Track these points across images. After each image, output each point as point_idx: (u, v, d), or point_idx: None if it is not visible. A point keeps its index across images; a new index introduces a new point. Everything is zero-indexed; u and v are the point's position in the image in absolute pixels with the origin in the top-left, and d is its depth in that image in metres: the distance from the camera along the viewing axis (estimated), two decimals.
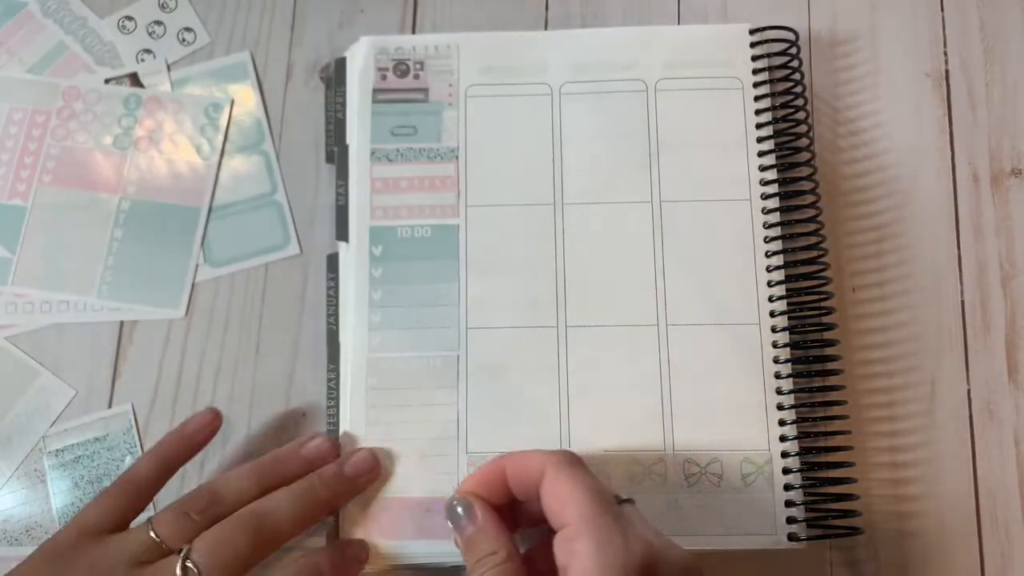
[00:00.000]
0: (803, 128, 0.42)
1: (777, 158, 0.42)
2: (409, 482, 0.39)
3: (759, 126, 0.42)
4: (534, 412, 0.40)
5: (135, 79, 0.47)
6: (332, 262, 0.43)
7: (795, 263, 0.41)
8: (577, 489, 0.32)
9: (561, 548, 0.31)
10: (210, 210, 0.45)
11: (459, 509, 0.34)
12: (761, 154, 0.42)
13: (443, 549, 0.37)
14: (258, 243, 0.45)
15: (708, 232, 0.41)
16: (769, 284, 0.41)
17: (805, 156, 0.42)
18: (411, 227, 0.42)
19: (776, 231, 0.41)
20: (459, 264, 0.41)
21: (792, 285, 0.40)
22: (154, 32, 0.48)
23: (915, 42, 0.46)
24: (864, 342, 0.42)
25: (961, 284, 0.43)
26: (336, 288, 0.42)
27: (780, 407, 0.39)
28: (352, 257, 0.42)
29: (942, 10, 0.46)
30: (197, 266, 0.44)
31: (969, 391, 0.42)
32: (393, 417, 0.40)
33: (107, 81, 0.47)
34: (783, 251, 0.41)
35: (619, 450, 0.39)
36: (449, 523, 0.35)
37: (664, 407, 0.39)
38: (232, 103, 0.47)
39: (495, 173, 0.43)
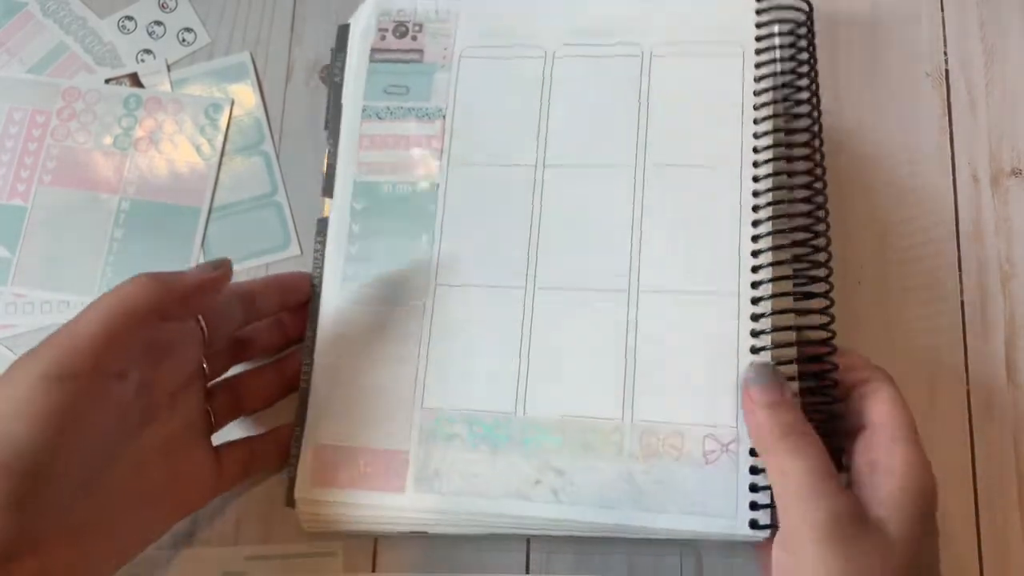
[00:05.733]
0: (806, 95, 0.39)
1: (775, 125, 0.39)
2: (365, 434, 0.39)
3: (757, 93, 0.40)
4: (492, 372, 0.39)
5: (135, 79, 0.47)
6: (321, 227, 0.42)
7: (785, 231, 0.38)
8: (902, 406, 0.34)
9: (880, 446, 0.33)
10: (210, 210, 0.45)
11: (767, 374, 0.35)
12: (757, 121, 0.40)
13: (390, 503, 0.38)
14: (258, 243, 0.45)
15: (691, 197, 0.40)
16: (754, 254, 0.38)
17: (806, 122, 0.39)
18: (394, 183, 0.42)
19: (767, 197, 0.39)
20: (435, 221, 0.41)
21: (780, 256, 0.38)
22: (154, 32, 0.48)
23: (915, 42, 0.46)
24: (863, 342, 0.42)
25: (961, 284, 0.43)
26: (323, 252, 0.42)
27: None
28: (335, 212, 0.42)
29: (942, 10, 0.46)
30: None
31: (968, 391, 0.42)
32: (356, 367, 0.40)
33: (107, 81, 0.47)
34: (772, 218, 0.38)
35: (576, 416, 0.38)
36: (751, 382, 0.35)
37: (627, 374, 0.38)
38: (232, 103, 0.47)
39: (480, 133, 0.42)
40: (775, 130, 0.39)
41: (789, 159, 0.39)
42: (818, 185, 0.38)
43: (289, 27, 0.48)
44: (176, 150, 0.46)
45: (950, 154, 0.45)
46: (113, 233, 0.45)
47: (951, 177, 0.44)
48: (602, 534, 0.37)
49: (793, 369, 0.36)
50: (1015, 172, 0.44)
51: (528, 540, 0.40)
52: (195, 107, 0.47)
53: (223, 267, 0.36)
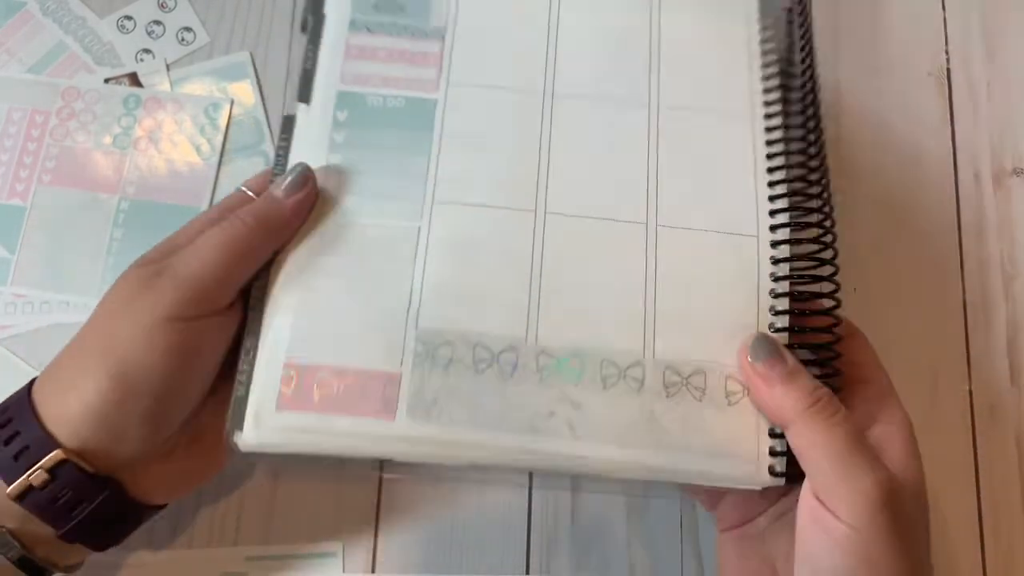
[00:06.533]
0: (802, 54, 0.39)
1: (782, 74, 0.39)
2: (346, 350, 0.34)
3: (764, 41, 0.40)
4: (498, 294, 0.36)
5: (134, 79, 0.47)
6: (287, 124, 0.38)
7: (794, 180, 0.37)
8: (877, 357, 0.36)
9: (875, 400, 0.34)
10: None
11: (766, 348, 0.34)
12: (766, 66, 0.40)
13: (376, 430, 0.33)
14: None
15: (706, 140, 0.38)
16: (771, 199, 0.37)
17: (804, 72, 0.39)
18: (383, 96, 0.39)
19: (781, 147, 0.38)
20: (433, 137, 0.38)
21: (795, 200, 0.37)
22: (153, 32, 0.48)
23: (916, 42, 0.46)
24: None
25: (963, 283, 0.43)
26: (287, 151, 0.38)
27: (771, 327, 0.35)
28: (314, 119, 0.38)
29: (943, 9, 0.46)
30: None
31: (970, 391, 0.42)
32: (337, 284, 0.35)
33: (106, 81, 0.47)
34: (787, 167, 0.38)
35: (593, 347, 0.35)
36: (754, 369, 0.34)
37: (647, 310, 0.36)
38: (232, 103, 0.47)
39: (483, 58, 0.39)
40: (783, 85, 0.39)
41: (787, 114, 0.39)
42: (812, 150, 0.37)
43: (289, 27, 0.47)
44: (176, 150, 0.46)
45: (952, 153, 0.45)
46: (113, 233, 0.45)
47: (953, 176, 0.44)
48: (613, 475, 0.34)
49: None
50: (1017, 171, 0.44)
51: (528, 538, 0.40)
52: (195, 107, 0.47)
53: (308, 180, 0.35)
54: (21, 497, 0.31)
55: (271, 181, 0.36)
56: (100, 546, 0.33)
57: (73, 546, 0.33)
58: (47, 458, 0.31)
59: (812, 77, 0.39)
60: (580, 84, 0.39)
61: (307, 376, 0.34)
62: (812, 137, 0.37)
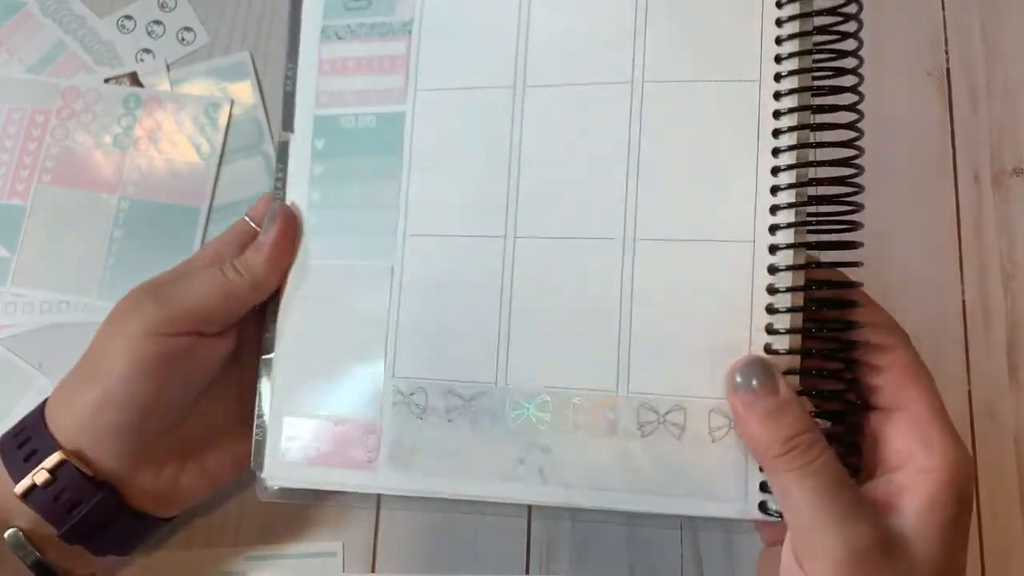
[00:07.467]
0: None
1: (802, 27, 0.32)
2: (335, 405, 0.35)
3: None
4: (470, 337, 0.34)
5: (134, 79, 0.47)
6: (282, 151, 0.38)
7: (811, 164, 0.31)
8: (929, 382, 0.30)
9: (909, 435, 0.29)
10: (210, 210, 0.45)
11: (754, 375, 0.29)
12: (780, 22, 0.32)
13: (361, 481, 0.34)
14: None
15: (699, 120, 0.33)
16: (773, 191, 0.31)
17: (853, 26, 0.31)
18: (355, 116, 0.37)
19: (791, 120, 0.31)
20: (403, 159, 0.36)
21: (804, 195, 0.31)
22: (153, 32, 0.48)
23: (916, 41, 0.46)
24: None
25: (962, 283, 0.43)
26: (284, 182, 0.38)
27: (769, 350, 0.31)
28: (297, 148, 0.37)
29: (943, 9, 0.46)
30: None
31: (970, 391, 0.42)
32: (319, 330, 0.36)
33: (106, 81, 0.47)
34: (795, 147, 0.31)
35: (563, 387, 0.33)
36: (736, 389, 0.30)
37: (621, 340, 0.33)
38: (232, 103, 0.47)
39: (452, 51, 0.36)
40: (803, 33, 0.32)
41: (819, 72, 0.32)
42: (858, 107, 0.32)
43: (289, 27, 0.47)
44: (176, 150, 0.46)
45: (951, 153, 0.45)
46: (113, 233, 0.45)
47: (952, 176, 0.44)
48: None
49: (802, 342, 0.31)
50: (1016, 171, 0.44)
51: (528, 538, 0.40)
52: (195, 107, 0.47)
53: (283, 216, 0.36)
54: (27, 495, 0.33)
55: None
56: (100, 550, 0.35)
57: (78, 551, 0.34)
58: (49, 459, 0.33)
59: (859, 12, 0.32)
60: (555, 69, 0.35)
61: (304, 431, 0.35)
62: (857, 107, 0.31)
